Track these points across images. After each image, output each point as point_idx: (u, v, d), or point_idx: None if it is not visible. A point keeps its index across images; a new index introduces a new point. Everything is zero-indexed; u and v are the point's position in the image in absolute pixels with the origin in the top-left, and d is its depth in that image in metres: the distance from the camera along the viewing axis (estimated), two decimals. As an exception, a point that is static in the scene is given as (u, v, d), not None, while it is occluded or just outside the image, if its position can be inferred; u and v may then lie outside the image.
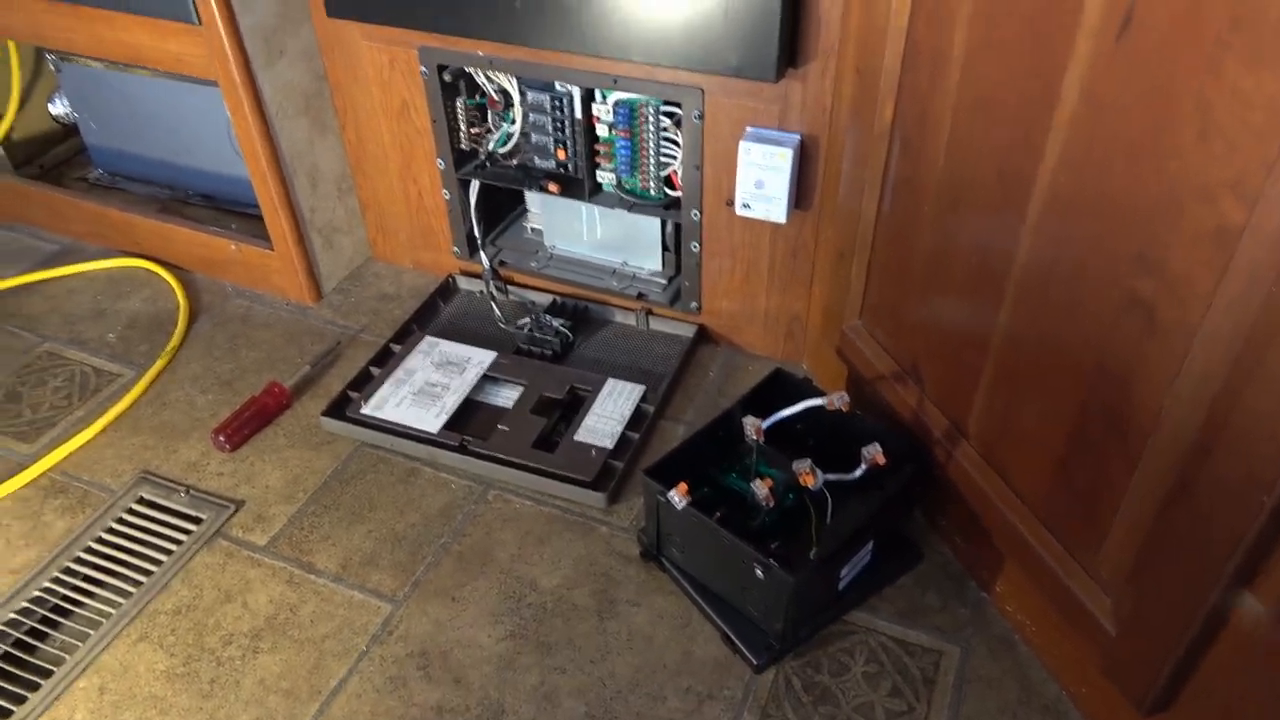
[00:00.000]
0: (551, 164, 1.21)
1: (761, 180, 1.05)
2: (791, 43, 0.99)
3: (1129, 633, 0.75)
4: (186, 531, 1.04)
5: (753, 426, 0.90)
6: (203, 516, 1.06)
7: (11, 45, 1.49)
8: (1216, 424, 0.61)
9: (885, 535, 0.96)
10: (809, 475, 0.87)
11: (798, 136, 1.04)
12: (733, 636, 0.91)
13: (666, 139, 1.14)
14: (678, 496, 0.88)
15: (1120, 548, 0.75)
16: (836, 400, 0.91)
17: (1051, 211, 0.72)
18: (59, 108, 1.59)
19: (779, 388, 1.02)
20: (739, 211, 1.09)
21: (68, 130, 1.62)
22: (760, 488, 0.87)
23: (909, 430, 0.99)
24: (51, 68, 1.50)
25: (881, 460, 0.89)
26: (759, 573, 0.85)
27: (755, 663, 0.89)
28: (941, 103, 0.81)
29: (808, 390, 1.00)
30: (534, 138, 1.19)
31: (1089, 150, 0.66)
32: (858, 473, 0.90)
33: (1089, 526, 0.78)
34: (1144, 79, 0.60)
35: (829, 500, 0.90)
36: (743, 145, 1.04)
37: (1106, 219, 0.66)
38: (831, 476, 0.89)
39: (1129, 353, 0.68)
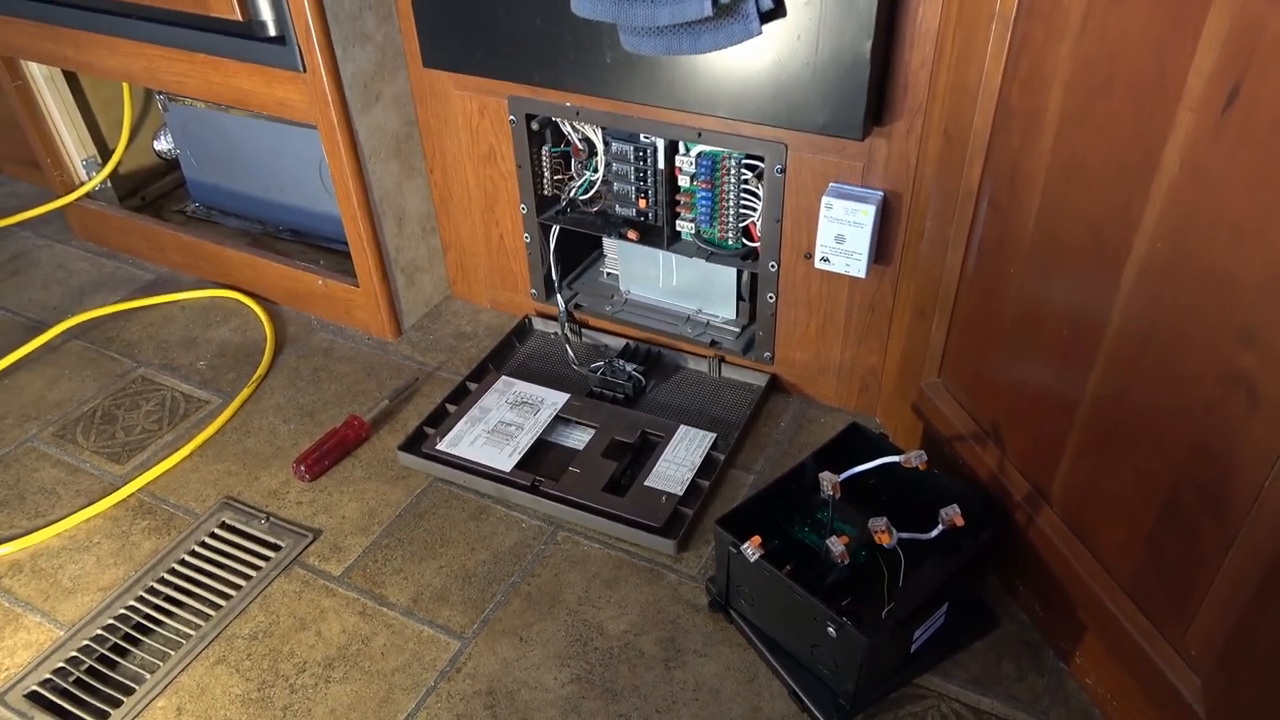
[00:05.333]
0: (632, 212, 1.23)
1: (842, 235, 1.06)
2: (878, 102, 0.99)
3: (1220, 717, 0.72)
4: (265, 558, 1.07)
5: (830, 483, 0.89)
6: (281, 544, 1.09)
7: (125, 87, 1.58)
8: (1323, 506, 0.59)
9: (960, 598, 0.94)
10: (885, 534, 0.86)
11: (880, 193, 1.05)
12: (801, 694, 0.90)
13: (747, 191, 1.15)
14: (751, 549, 0.88)
15: (1212, 627, 0.72)
16: (914, 459, 0.90)
17: (1148, 280, 0.71)
18: (163, 144, 1.68)
19: (854, 442, 1.02)
20: (818, 265, 1.10)
21: (169, 165, 1.71)
22: (836, 545, 0.86)
23: (986, 491, 0.97)
24: (159, 107, 1.58)
25: (960, 522, 0.88)
26: (831, 630, 0.84)
27: (824, 722, 0.88)
28: (1034, 165, 0.81)
29: (884, 446, 1.00)
30: (616, 186, 1.22)
31: (1190, 221, 0.65)
32: (934, 533, 0.89)
33: (1178, 602, 0.75)
34: (1251, 152, 0.59)
35: (903, 559, 0.89)
36: (825, 200, 1.05)
37: (1207, 291, 0.65)
38: (906, 535, 0.88)
39: (1228, 428, 0.66)
